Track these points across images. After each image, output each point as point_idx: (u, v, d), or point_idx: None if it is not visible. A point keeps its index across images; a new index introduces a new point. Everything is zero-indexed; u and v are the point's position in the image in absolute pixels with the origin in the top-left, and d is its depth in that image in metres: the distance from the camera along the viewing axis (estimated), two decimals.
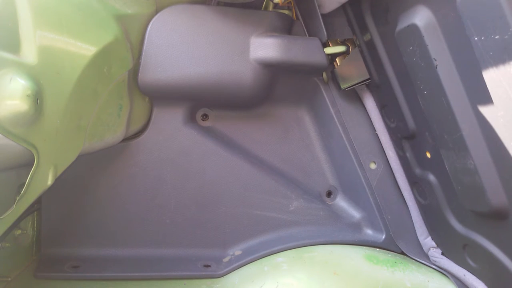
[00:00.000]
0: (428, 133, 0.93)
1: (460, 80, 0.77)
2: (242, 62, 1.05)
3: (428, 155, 0.97)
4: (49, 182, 0.74)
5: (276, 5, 1.16)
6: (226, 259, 1.07)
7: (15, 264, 0.95)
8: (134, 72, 1.01)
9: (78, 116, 0.80)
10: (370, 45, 1.01)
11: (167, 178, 1.09)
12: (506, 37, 0.61)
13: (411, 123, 0.99)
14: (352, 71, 1.09)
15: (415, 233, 1.14)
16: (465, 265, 0.98)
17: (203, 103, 1.15)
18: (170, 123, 1.09)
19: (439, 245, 1.09)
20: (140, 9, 1.01)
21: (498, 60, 0.65)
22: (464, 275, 0.97)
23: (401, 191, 1.15)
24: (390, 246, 1.13)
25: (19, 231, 0.97)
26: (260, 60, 1.05)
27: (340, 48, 1.11)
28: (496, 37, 0.63)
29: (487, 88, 0.69)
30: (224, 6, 1.09)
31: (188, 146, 1.10)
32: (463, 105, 0.78)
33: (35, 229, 1.03)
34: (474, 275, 0.96)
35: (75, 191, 1.05)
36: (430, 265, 1.05)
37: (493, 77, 0.67)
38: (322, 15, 1.04)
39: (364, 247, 1.10)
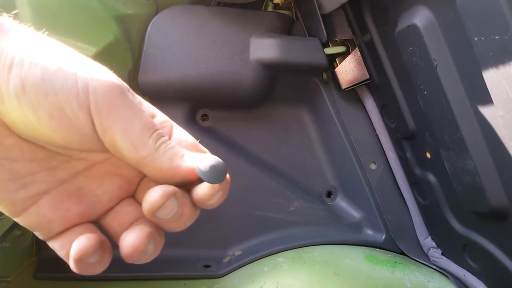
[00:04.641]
0: (428, 133, 0.93)
1: (460, 80, 0.77)
2: (242, 62, 1.05)
3: (428, 155, 0.97)
4: None
5: (276, 6, 1.16)
6: (226, 259, 1.07)
7: (15, 265, 0.95)
8: (134, 72, 1.01)
9: None
10: (370, 45, 1.01)
11: None
12: (506, 37, 0.61)
13: (411, 123, 0.99)
14: (352, 71, 1.09)
15: (415, 233, 1.14)
16: (465, 265, 0.98)
17: (203, 103, 1.14)
18: None
19: (439, 245, 1.09)
20: (140, 9, 1.01)
21: (498, 60, 0.65)
22: (464, 275, 0.97)
23: (401, 191, 1.15)
24: (390, 246, 1.13)
25: (19, 232, 0.97)
26: (260, 60, 1.05)
27: (340, 48, 1.11)
28: (496, 37, 0.63)
29: (487, 88, 0.69)
30: (224, 6, 1.09)
31: None
32: (463, 105, 0.78)
33: None
34: (474, 275, 0.96)
35: None
36: (430, 265, 1.05)
37: (493, 77, 0.67)
38: (322, 15, 1.04)
39: (364, 247, 1.10)
